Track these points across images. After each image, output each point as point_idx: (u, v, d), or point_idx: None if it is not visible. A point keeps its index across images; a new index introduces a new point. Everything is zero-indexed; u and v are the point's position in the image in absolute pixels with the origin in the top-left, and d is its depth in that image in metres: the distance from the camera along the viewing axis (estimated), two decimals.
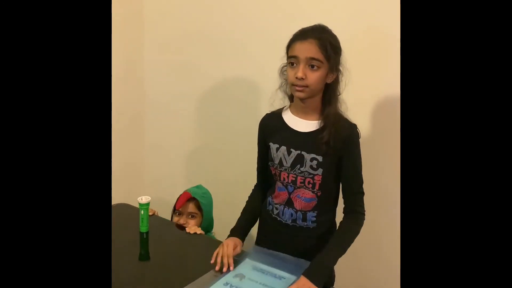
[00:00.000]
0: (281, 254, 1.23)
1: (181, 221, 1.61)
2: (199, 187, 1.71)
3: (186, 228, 1.49)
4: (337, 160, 1.18)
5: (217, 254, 1.21)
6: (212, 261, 1.20)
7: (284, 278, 1.15)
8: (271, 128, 1.27)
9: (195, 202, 1.63)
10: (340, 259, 1.16)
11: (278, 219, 1.26)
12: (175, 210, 1.65)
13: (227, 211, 1.60)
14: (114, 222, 1.51)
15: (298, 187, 1.21)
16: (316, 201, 1.20)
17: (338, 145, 1.15)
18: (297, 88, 1.14)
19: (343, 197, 1.22)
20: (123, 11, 2.04)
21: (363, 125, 1.21)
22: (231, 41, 1.90)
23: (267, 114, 1.31)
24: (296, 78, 1.12)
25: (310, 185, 1.19)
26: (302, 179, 1.19)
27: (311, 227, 1.22)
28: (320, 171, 1.17)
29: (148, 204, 1.44)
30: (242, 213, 1.34)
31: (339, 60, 1.16)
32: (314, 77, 1.12)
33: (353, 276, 1.35)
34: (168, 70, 2.15)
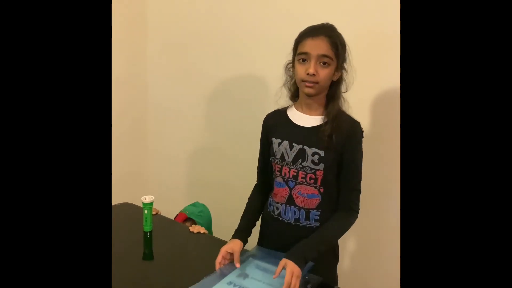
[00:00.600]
0: (284, 254, 1.23)
1: None
2: (195, 205, 1.73)
3: (189, 228, 1.50)
4: (339, 157, 1.18)
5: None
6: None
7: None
8: (274, 124, 1.28)
9: (191, 222, 1.65)
10: (340, 259, 1.16)
11: (280, 219, 1.26)
12: None
13: (230, 215, 1.60)
14: (118, 222, 1.53)
15: (299, 183, 1.21)
16: (319, 198, 1.20)
17: (340, 140, 1.16)
18: (307, 84, 1.15)
19: (339, 192, 1.21)
20: (126, 14, 2.05)
21: (363, 125, 1.21)
22: (234, 44, 1.90)
23: (271, 112, 1.32)
24: (308, 74, 1.13)
25: (312, 181, 1.19)
26: (303, 174, 1.19)
27: (314, 226, 1.22)
28: (321, 166, 1.17)
29: (151, 203, 1.45)
30: (243, 214, 1.34)
31: (346, 58, 1.18)
32: (324, 74, 1.14)
33: (353, 276, 1.35)
34: (171, 73, 2.16)
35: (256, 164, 1.37)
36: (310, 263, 1.14)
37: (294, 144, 1.20)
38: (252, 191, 1.39)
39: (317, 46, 1.13)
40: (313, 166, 1.18)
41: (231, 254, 1.20)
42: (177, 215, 1.69)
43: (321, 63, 1.13)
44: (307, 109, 1.22)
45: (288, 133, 1.22)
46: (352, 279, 1.35)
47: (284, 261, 1.09)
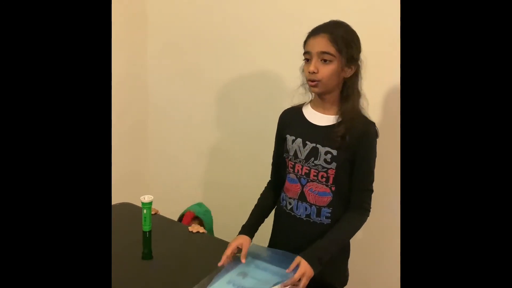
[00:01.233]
0: (283, 252, 1.24)
1: None
2: (200, 205, 1.73)
3: (188, 227, 1.50)
4: (352, 156, 1.18)
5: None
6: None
7: (287, 277, 1.16)
8: (289, 121, 1.29)
9: (199, 220, 1.65)
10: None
11: (292, 214, 1.26)
12: None
13: (230, 215, 1.61)
14: (117, 221, 1.52)
15: (311, 180, 1.21)
16: (331, 197, 1.20)
17: (353, 140, 1.16)
18: (310, 83, 1.16)
19: (352, 192, 1.21)
20: (126, 14, 2.04)
21: None
22: (234, 44, 1.89)
23: (287, 108, 1.32)
24: (309, 72, 1.14)
25: (324, 179, 1.19)
26: (315, 172, 1.20)
27: (325, 223, 1.22)
28: (333, 165, 1.17)
29: (150, 203, 1.45)
30: (253, 209, 1.36)
31: (355, 54, 1.16)
32: (325, 71, 1.13)
33: (353, 275, 1.35)
34: (171, 73, 2.16)
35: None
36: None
37: (307, 142, 1.21)
38: (265, 188, 1.40)
39: (317, 44, 1.13)
40: (325, 165, 1.18)
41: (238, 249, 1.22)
42: (183, 214, 1.68)
43: (322, 60, 1.13)
44: (322, 108, 1.22)
45: (302, 131, 1.23)
46: (352, 279, 1.35)
47: (298, 258, 1.11)
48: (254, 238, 1.29)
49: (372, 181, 1.21)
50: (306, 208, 1.23)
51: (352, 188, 1.21)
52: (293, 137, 1.24)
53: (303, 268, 1.09)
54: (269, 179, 1.40)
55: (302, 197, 1.24)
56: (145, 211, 1.43)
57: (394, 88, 1.50)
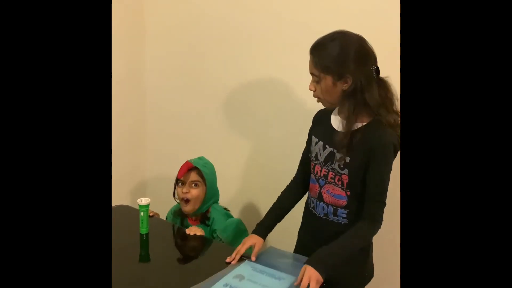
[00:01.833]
0: (281, 252, 1.24)
1: (184, 190, 1.58)
2: (201, 158, 1.70)
3: (186, 230, 1.49)
4: (365, 165, 1.18)
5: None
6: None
7: (284, 279, 1.16)
8: (318, 122, 1.33)
9: (197, 171, 1.61)
10: None
11: (313, 212, 1.30)
12: (177, 181, 1.63)
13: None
14: (114, 224, 1.51)
15: (329, 182, 1.24)
16: (346, 200, 1.22)
17: (366, 151, 1.16)
18: (316, 99, 1.23)
19: (365, 201, 1.21)
20: (125, 15, 2.04)
21: None
22: (233, 45, 1.89)
23: (322, 109, 1.33)
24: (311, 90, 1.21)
25: (340, 182, 1.22)
26: (333, 175, 1.23)
27: (343, 223, 1.23)
28: (346, 171, 1.19)
29: (148, 206, 1.44)
30: (272, 208, 1.38)
31: (347, 68, 1.14)
32: (319, 89, 1.19)
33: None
34: (170, 74, 2.15)
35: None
36: None
37: (327, 146, 1.24)
38: (287, 185, 1.42)
39: (308, 65, 1.20)
40: (339, 170, 1.21)
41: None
42: (182, 165, 1.63)
43: (315, 79, 1.19)
44: (343, 114, 1.22)
45: (324, 134, 1.26)
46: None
47: (304, 267, 1.12)
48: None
49: (384, 192, 1.19)
50: (323, 208, 1.26)
51: (365, 197, 1.21)
52: (317, 139, 1.28)
53: (308, 273, 1.10)
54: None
55: (320, 197, 1.27)
56: (142, 213, 1.43)
57: (394, 88, 1.50)
